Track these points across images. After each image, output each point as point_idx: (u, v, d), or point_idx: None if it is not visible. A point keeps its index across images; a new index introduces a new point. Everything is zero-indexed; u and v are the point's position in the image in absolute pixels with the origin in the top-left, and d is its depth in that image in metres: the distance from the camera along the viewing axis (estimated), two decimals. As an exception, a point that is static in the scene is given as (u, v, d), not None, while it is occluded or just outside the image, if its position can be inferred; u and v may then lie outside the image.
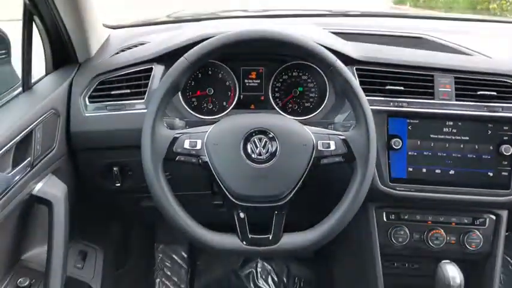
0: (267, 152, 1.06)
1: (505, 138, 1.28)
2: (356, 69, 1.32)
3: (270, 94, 1.39)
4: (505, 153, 1.27)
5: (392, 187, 1.29)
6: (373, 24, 1.80)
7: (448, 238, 1.34)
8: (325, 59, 1.09)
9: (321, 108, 1.36)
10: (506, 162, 1.28)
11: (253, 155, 1.06)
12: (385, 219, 1.36)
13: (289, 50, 1.16)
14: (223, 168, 1.06)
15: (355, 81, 1.09)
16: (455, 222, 1.35)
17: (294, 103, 1.40)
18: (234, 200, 1.06)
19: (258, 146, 1.06)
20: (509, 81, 1.31)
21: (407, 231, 1.35)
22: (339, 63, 1.09)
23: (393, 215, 1.36)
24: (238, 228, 1.06)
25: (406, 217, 1.36)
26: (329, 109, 1.36)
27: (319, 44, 1.11)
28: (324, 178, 1.20)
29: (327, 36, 1.45)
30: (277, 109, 1.39)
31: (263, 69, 1.40)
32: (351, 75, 1.09)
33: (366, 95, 1.23)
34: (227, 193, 1.06)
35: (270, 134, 1.08)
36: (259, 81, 1.40)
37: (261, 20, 1.78)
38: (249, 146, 1.07)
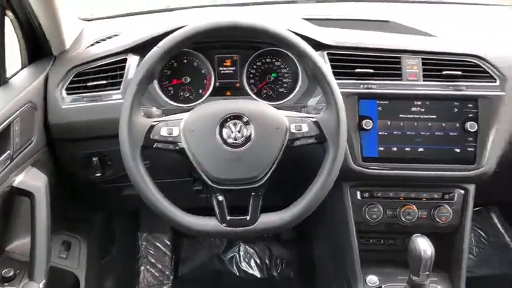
0: (242, 136, 1.10)
1: (470, 115, 1.34)
2: (327, 53, 1.36)
3: (245, 81, 1.42)
4: (470, 130, 1.33)
5: (365, 166, 1.34)
6: (345, 10, 1.84)
7: (419, 213, 1.40)
8: (294, 45, 1.12)
9: (294, 93, 1.40)
10: (471, 139, 1.34)
11: (229, 140, 1.09)
12: (359, 198, 1.42)
13: (260, 37, 1.19)
14: (200, 154, 1.09)
15: (324, 66, 1.13)
16: (426, 198, 1.41)
17: (268, 89, 1.43)
18: (212, 184, 1.10)
19: (233, 130, 1.10)
20: (472, 60, 1.36)
21: (381, 208, 1.40)
22: (309, 49, 1.12)
23: (367, 193, 1.42)
24: (216, 211, 1.10)
25: (379, 195, 1.41)
26: (302, 93, 1.40)
27: (290, 31, 1.15)
28: (299, 160, 1.25)
29: (299, 23, 1.49)
30: (253, 95, 1.42)
31: (237, 57, 1.42)
32: (320, 60, 1.13)
33: (338, 79, 1.28)
34: (205, 177, 1.09)
35: (244, 118, 1.11)
36: (234, 68, 1.42)
37: (235, 9, 1.80)
38: (224, 131, 1.10)
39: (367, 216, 1.41)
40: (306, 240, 2.06)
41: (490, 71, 1.36)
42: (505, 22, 1.83)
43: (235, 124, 1.10)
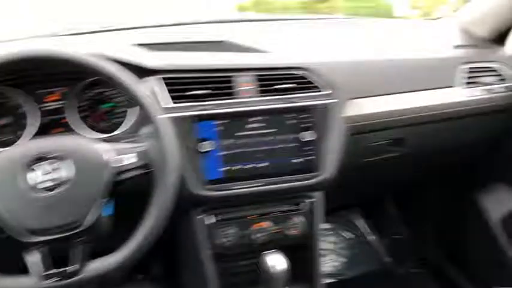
0: (56, 178, 0.98)
1: (307, 125, 1.37)
2: (163, 78, 1.30)
3: (74, 115, 1.31)
4: (308, 140, 1.36)
5: (210, 189, 1.30)
6: (183, 33, 1.81)
7: (272, 228, 1.40)
8: (102, 72, 1.04)
9: (126, 122, 1.32)
10: (308, 148, 1.37)
11: (39, 185, 0.96)
12: (211, 222, 1.37)
13: (67, 68, 1.09)
14: (5, 205, 0.95)
15: (139, 92, 1.06)
16: (276, 212, 1.41)
17: (102, 120, 1.34)
18: (25, 237, 0.96)
19: (44, 173, 0.97)
20: (298, 72, 1.41)
21: (234, 229, 1.37)
22: (119, 75, 1.05)
23: (219, 216, 1.37)
24: (36, 265, 0.96)
25: (230, 216, 1.38)
26: (135, 122, 1.32)
27: (109, 59, 1.08)
28: (135, 194, 1.16)
29: (125, 49, 1.41)
30: (83, 129, 1.31)
31: (64, 90, 1.31)
32: (134, 87, 1.06)
33: (175, 102, 1.23)
34: (14, 231, 0.95)
35: (57, 157, 0.99)
36: (63, 102, 1.30)
37: (63, 38, 1.66)
38: (32, 175, 0.97)
39: (221, 239, 1.36)
40: (176, 275, 1.97)
41: (316, 82, 1.41)
42: (340, 34, 1.94)
43: (46, 165, 0.98)
